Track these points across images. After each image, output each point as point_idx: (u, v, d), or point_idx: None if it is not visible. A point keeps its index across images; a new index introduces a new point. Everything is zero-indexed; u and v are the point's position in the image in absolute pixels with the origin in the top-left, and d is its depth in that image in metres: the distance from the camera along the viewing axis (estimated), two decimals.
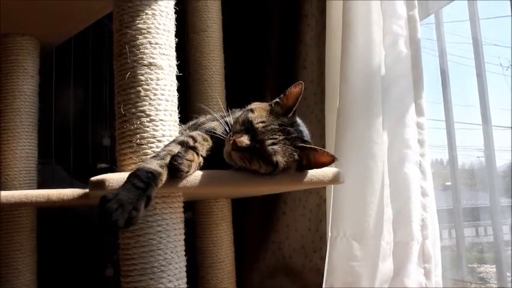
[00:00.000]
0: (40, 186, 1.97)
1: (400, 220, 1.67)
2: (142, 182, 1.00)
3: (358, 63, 1.81)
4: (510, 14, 1.89)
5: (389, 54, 1.77)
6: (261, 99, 2.30)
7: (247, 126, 1.20)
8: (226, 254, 2.07)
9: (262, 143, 1.16)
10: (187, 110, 2.04)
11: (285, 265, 2.16)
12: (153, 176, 1.03)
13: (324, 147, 1.90)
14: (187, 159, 1.10)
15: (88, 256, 2.28)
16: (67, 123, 2.37)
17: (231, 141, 1.17)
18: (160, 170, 1.06)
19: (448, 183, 2.07)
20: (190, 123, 1.61)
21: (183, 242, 1.24)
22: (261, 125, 1.19)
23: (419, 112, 1.72)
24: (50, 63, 2.28)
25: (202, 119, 1.61)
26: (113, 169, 1.65)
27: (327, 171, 1.27)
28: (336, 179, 1.29)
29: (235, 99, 2.18)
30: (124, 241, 1.19)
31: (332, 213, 1.83)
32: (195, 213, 2.09)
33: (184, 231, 1.26)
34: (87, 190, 1.39)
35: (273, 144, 1.16)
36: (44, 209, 1.95)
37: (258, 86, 2.38)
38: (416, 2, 1.77)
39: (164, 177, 1.07)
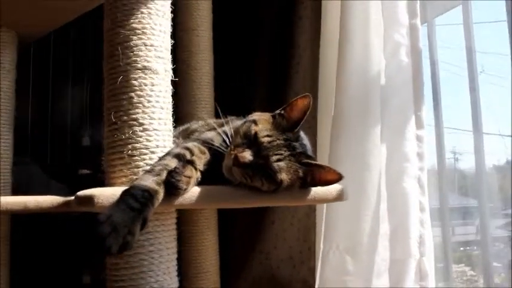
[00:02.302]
0: (15, 188, 1.85)
1: (397, 236, 1.62)
2: (138, 202, 0.91)
3: (356, 70, 1.75)
4: (506, 19, 1.88)
5: (390, 63, 1.71)
6: (250, 104, 2.23)
7: (250, 140, 1.11)
8: (211, 264, 1.97)
9: (266, 159, 1.08)
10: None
11: (272, 276, 2.08)
12: (150, 195, 0.94)
13: (316, 156, 1.83)
14: (185, 176, 1.01)
15: (64, 263, 2.16)
16: (44, 120, 2.23)
17: (232, 156, 1.08)
18: (156, 187, 0.96)
19: None
20: (181, 128, 1.52)
21: (175, 262, 1.15)
22: (266, 139, 1.10)
23: (419, 125, 1.66)
24: (27, 58, 2.14)
25: (194, 125, 1.52)
26: (96, 176, 1.54)
27: (331, 189, 1.20)
28: (339, 197, 1.22)
29: (223, 102, 2.11)
30: (112, 261, 1.09)
31: (325, 226, 1.77)
32: (179, 222, 1.99)
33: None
34: (68, 198, 1.28)
35: (279, 160, 1.08)
36: (17, 214, 1.82)
37: (248, 89, 2.29)
38: (418, 10, 1.71)
39: (161, 196, 0.97)
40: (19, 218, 1.86)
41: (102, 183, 1.15)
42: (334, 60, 1.86)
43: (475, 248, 2.18)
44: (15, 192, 1.82)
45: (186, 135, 1.42)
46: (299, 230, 2.07)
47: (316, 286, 1.78)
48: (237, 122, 1.24)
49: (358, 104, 1.73)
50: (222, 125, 1.28)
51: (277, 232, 2.09)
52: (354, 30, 1.77)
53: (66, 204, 1.34)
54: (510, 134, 1.89)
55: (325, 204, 1.78)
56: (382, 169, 1.67)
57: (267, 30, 2.27)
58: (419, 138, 1.66)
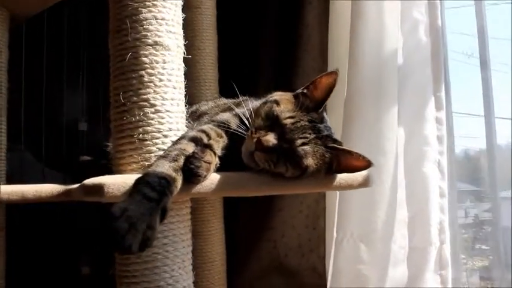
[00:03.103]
0: (9, 176, 1.74)
1: (417, 223, 1.55)
2: (155, 192, 0.81)
3: (369, 50, 1.67)
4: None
5: (408, 42, 1.63)
6: (255, 85, 2.13)
7: (273, 122, 1.02)
8: (217, 253, 1.88)
9: (291, 142, 0.99)
10: None
11: (280, 264, 2.01)
12: (167, 183, 0.84)
13: None
14: (205, 162, 0.92)
15: (61, 253, 2.06)
16: (38, 104, 2.11)
17: (255, 140, 0.99)
18: (174, 174, 0.87)
19: None
20: (190, 110, 1.41)
21: (191, 255, 1.07)
22: (289, 120, 1.01)
23: (439, 106, 1.60)
24: (19, 39, 2.01)
25: (203, 107, 1.42)
26: (99, 163, 1.44)
27: (357, 175, 1.12)
28: (365, 183, 1.14)
29: (227, 83, 2.00)
30: (121, 255, 1.00)
31: (338, 213, 1.69)
32: None
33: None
34: (69, 187, 1.19)
35: (304, 144, 0.99)
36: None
37: (253, 70, 2.18)
38: None
39: (179, 183, 0.88)
40: (15, 207, 1.75)
41: (105, 171, 1.05)
42: (345, 39, 1.78)
43: (464, 231, 2.18)
44: (9, 181, 1.71)
45: (196, 117, 1.33)
46: (308, 216, 2.00)
47: (329, 275, 1.71)
48: (255, 103, 1.14)
49: (372, 85, 1.65)
50: (235, 106, 1.19)
51: (285, 219, 2.01)
52: (366, 7, 1.67)
53: (67, 193, 1.24)
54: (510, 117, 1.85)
55: (338, 192, 1.70)
56: (400, 153, 1.59)
57: (273, 8, 2.15)
58: (439, 121, 1.59)
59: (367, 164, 1.03)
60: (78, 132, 2.18)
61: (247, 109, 1.09)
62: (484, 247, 1.95)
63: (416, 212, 1.56)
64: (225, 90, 1.89)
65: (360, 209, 1.64)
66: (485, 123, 1.84)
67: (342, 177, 1.09)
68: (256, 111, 1.07)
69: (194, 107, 1.44)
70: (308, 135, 1.01)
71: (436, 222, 1.53)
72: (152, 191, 0.81)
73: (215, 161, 0.98)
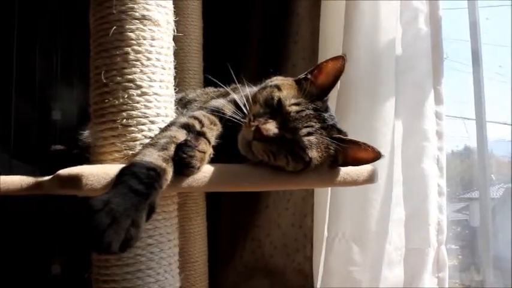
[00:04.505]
0: None
1: (414, 223, 1.48)
2: (143, 184, 0.70)
3: (364, 40, 1.60)
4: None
5: (408, 32, 1.56)
6: (240, 73, 2.02)
7: (274, 109, 0.91)
8: (199, 253, 1.77)
9: (295, 132, 0.89)
10: None
11: (264, 265, 1.91)
12: (157, 174, 0.73)
13: None
14: (200, 151, 0.81)
15: (30, 250, 1.91)
16: (7, 90, 1.95)
17: (253, 128, 0.88)
18: (164, 165, 0.76)
19: None
20: (176, 98, 1.30)
21: (177, 257, 0.96)
22: (294, 108, 0.91)
23: (438, 100, 1.53)
24: None
25: (191, 94, 1.31)
26: (73, 153, 1.32)
27: (362, 170, 1.03)
28: (371, 179, 1.05)
29: (209, 73, 1.89)
30: (99, 256, 0.88)
31: (329, 212, 1.60)
32: None
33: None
34: (40, 179, 1.06)
35: (309, 134, 0.89)
36: None
37: (239, 57, 2.07)
38: None
39: (170, 176, 0.77)
40: None
41: (79, 161, 0.93)
42: (337, 29, 1.70)
43: None
44: None
45: (183, 105, 1.22)
46: (294, 214, 1.90)
47: (319, 276, 1.62)
48: (251, 89, 1.04)
49: (367, 76, 1.57)
50: (226, 95, 1.08)
51: (270, 217, 1.91)
52: None
53: (38, 185, 1.12)
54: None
55: (329, 188, 1.61)
56: (398, 148, 1.51)
57: None
58: (438, 115, 1.52)
59: (377, 155, 0.94)
60: (51, 121, 2.02)
61: (243, 95, 0.98)
62: (454, 246, 1.92)
63: (414, 210, 1.49)
64: (210, 81, 1.79)
65: (352, 207, 1.56)
66: (477, 125, 1.79)
67: (346, 173, 1.00)
68: (254, 97, 0.96)
69: (180, 94, 1.32)
70: (313, 124, 0.91)
71: (435, 222, 1.46)
72: (139, 184, 0.70)
73: (209, 150, 0.87)
